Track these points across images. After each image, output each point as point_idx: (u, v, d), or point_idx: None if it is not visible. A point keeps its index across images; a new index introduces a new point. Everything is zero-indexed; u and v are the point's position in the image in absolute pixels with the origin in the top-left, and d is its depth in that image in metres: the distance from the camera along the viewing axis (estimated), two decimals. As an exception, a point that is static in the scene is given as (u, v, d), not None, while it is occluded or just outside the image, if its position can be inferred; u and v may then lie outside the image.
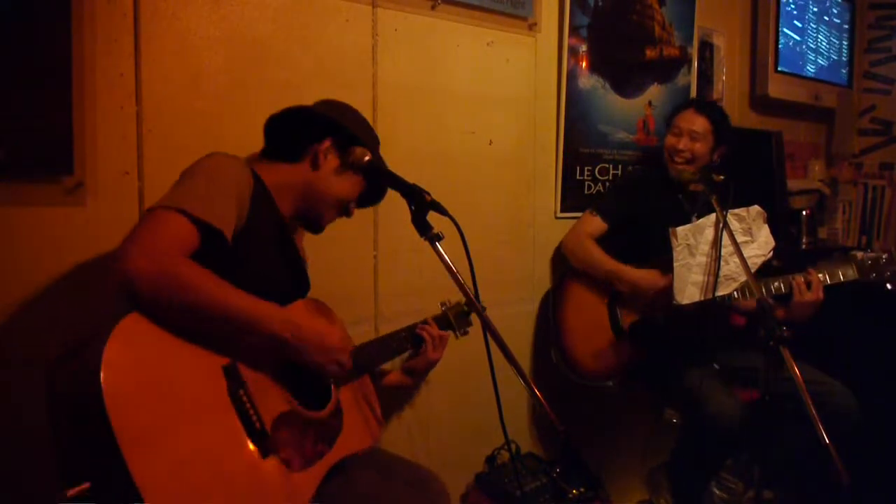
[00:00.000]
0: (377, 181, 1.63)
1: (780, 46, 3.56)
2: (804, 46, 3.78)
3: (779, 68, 3.58)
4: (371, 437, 1.59)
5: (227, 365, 1.28)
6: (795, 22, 3.68)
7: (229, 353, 1.29)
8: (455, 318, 1.92)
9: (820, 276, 2.17)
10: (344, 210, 1.62)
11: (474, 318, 1.38)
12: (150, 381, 1.15)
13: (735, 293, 2.18)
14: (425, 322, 1.83)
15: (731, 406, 2.13)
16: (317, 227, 1.63)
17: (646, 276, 2.32)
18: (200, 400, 1.21)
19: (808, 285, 2.16)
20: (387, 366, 1.86)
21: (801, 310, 2.14)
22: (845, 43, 4.13)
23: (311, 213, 1.59)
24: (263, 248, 1.45)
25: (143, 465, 1.06)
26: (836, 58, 4.07)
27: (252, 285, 1.31)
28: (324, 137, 1.54)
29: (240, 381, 1.28)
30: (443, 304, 1.93)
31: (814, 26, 3.87)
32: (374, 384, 1.73)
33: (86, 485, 1.06)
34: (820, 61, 3.94)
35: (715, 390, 2.16)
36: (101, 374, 1.06)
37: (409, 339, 1.78)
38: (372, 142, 1.63)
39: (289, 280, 1.55)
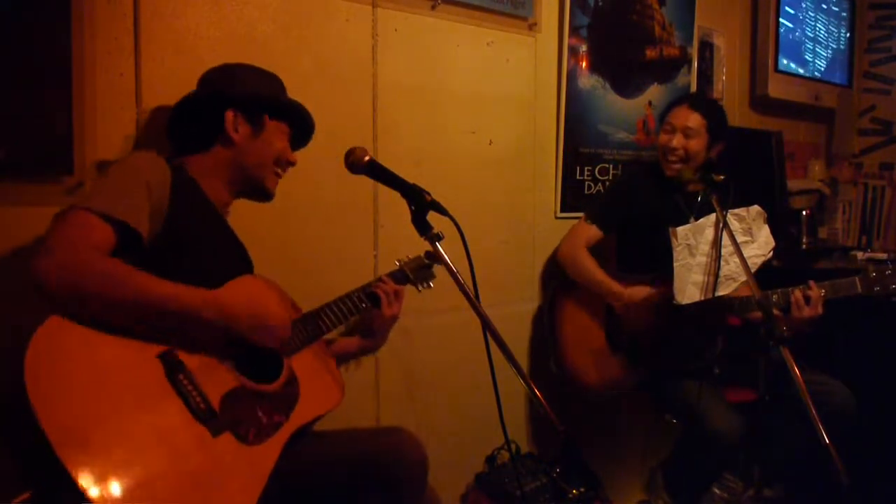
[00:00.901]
0: (300, 119, 1.63)
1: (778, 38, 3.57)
2: (797, 34, 3.78)
3: (778, 57, 3.58)
4: (331, 401, 1.56)
5: (162, 352, 1.27)
6: (788, 8, 3.67)
7: (164, 340, 1.28)
8: (413, 272, 1.85)
9: (822, 291, 2.09)
10: (282, 165, 1.61)
11: (474, 317, 1.36)
12: (79, 380, 1.14)
13: (735, 305, 2.17)
14: (380, 280, 1.77)
15: (730, 422, 2.09)
16: (265, 195, 1.61)
17: (633, 293, 2.27)
18: (138, 391, 1.20)
19: (807, 300, 2.09)
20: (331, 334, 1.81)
21: (799, 324, 2.08)
22: (844, 31, 4.13)
23: (250, 184, 1.58)
24: (194, 237, 1.44)
25: (81, 464, 1.06)
26: (835, 47, 4.08)
27: (188, 276, 1.30)
28: (222, 114, 1.52)
29: (178, 365, 1.27)
30: (398, 260, 1.88)
31: (812, 14, 3.87)
32: (331, 350, 1.71)
33: (26, 495, 1.06)
34: (819, 51, 3.94)
35: (714, 404, 2.13)
36: (26, 381, 1.06)
37: (364, 299, 1.72)
38: (270, 89, 1.60)
39: (229, 265, 1.52)
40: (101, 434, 1.11)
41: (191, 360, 1.30)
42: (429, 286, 1.90)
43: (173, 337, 1.29)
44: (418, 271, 1.87)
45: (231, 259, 1.55)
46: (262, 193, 1.61)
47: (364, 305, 1.70)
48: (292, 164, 1.63)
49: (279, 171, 1.61)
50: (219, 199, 1.57)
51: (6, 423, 1.11)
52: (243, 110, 1.54)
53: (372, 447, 1.52)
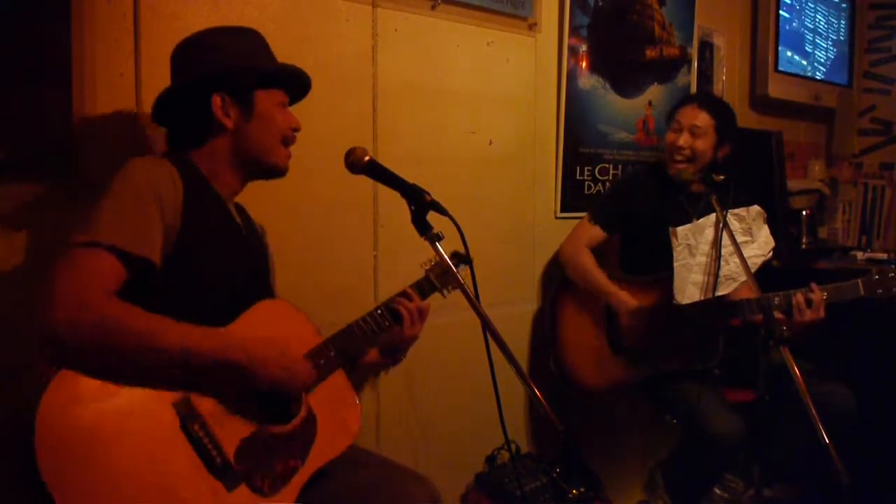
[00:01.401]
0: (294, 81, 1.51)
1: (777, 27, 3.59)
2: (796, 24, 3.79)
3: (779, 56, 3.58)
4: (350, 436, 1.48)
5: (177, 401, 1.20)
6: None
7: (179, 388, 1.21)
8: (439, 278, 1.71)
9: (824, 294, 2.07)
10: (289, 138, 1.48)
11: (474, 317, 1.36)
12: (92, 437, 1.09)
13: (736, 310, 2.17)
14: (404, 294, 1.64)
15: (731, 424, 2.09)
16: (279, 171, 1.49)
17: (630, 303, 2.27)
18: (152, 444, 1.14)
19: (809, 303, 2.06)
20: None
21: (800, 327, 2.07)
22: (843, 22, 4.15)
23: (260, 167, 1.47)
24: (210, 244, 1.35)
25: None
26: (835, 38, 4.09)
27: (206, 287, 1.27)
28: (207, 99, 1.38)
29: (194, 414, 1.20)
30: (425, 267, 1.73)
31: (811, 6, 3.89)
32: (349, 373, 1.62)
33: None
34: (819, 42, 3.95)
35: (715, 406, 2.12)
36: (35, 441, 1.02)
37: (387, 316, 1.60)
38: (251, 56, 1.44)
39: (247, 265, 1.46)
40: (113, 492, 1.07)
41: (205, 406, 1.23)
42: (455, 288, 1.77)
43: (188, 381, 1.21)
44: (443, 277, 1.73)
45: (247, 265, 1.47)
46: (274, 173, 1.50)
47: (387, 324, 1.61)
48: (298, 129, 1.50)
49: (283, 145, 1.48)
50: (231, 192, 1.47)
51: (10, 465, 1.07)
52: (229, 91, 1.39)
53: (387, 497, 1.45)
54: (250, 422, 1.30)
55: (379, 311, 1.59)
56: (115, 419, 1.12)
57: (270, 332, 1.36)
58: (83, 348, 1.09)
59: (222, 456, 1.22)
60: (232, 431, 1.26)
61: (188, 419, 1.20)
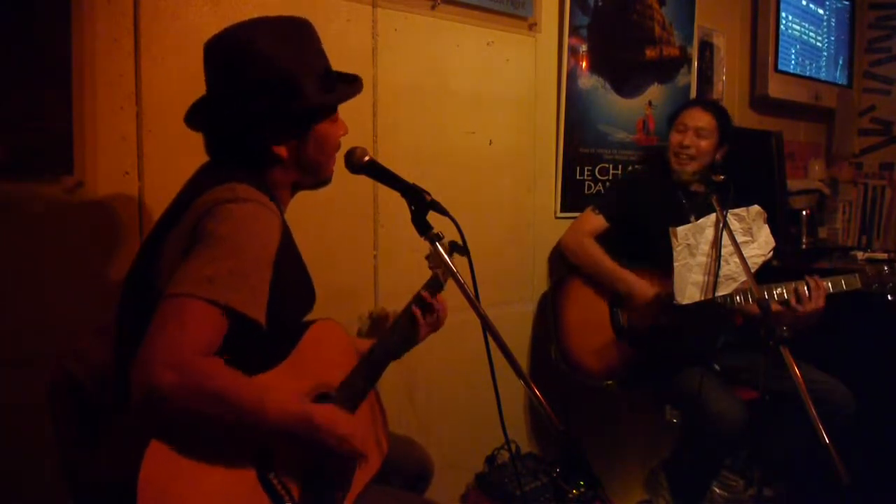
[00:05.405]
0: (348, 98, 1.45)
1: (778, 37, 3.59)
2: None
3: (779, 55, 3.58)
4: (382, 455, 1.50)
5: (256, 450, 1.22)
6: None
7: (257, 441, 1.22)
8: (444, 276, 1.71)
9: (828, 283, 2.15)
10: (339, 145, 1.44)
11: (474, 317, 1.36)
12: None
13: (738, 298, 2.18)
14: (422, 300, 1.68)
15: (733, 405, 2.12)
16: (326, 184, 1.48)
17: (641, 283, 2.30)
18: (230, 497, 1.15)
19: (809, 293, 2.13)
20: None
21: (799, 318, 2.11)
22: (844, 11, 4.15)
23: (313, 181, 1.45)
24: (291, 282, 1.33)
25: None
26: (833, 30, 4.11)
27: (283, 322, 1.26)
28: (264, 132, 1.32)
29: (269, 461, 1.22)
30: (432, 266, 1.71)
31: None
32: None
33: None
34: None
35: (716, 390, 2.16)
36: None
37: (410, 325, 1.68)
38: (310, 72, 1.37)
39: (309, 287, 1.46)
40: None
41: (277, 449, 1.25)
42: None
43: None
44: (445, 274, 1.70)
45: (308, 286, 1.46)
46: (322, 186, 1.48)
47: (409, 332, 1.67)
48: (345, 133, 1.45)
49: (335, 156, 1.45)
50: (286, 208, 1.44)
51: None
52: (287, 130, 1.34)
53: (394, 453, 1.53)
54: (307, 453, 1.29)
55: (407, 313, 1.66)
56: (207, 487, 1.13)
57: (325, 357, 1.42)
58: (182, 410, 1.07)
59: (292, 499, 1.25)
60: (296, 468, 1.27)
61: (264, 468, 1.21)
